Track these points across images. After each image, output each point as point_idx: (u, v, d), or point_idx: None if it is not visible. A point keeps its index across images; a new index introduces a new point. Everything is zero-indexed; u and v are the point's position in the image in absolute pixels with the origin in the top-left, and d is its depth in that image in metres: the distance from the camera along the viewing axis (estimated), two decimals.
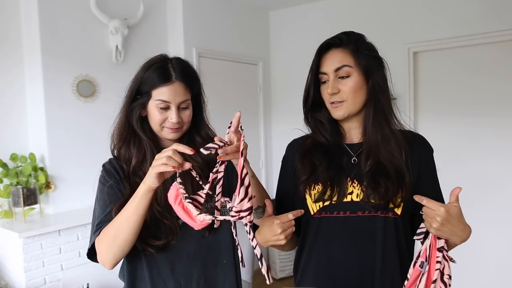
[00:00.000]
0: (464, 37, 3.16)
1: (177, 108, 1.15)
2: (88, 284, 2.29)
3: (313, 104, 1.13)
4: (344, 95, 1.07)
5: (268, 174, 4.27)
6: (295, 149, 1.20)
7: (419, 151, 1.12)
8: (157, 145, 1.21)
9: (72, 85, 2.84)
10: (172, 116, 1.14)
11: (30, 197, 2.58)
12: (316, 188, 1.09)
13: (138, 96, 1.18)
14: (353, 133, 1.15)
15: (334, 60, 1.08)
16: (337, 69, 1.07)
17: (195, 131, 1.25)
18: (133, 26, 3.14)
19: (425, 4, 3.32)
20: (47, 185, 2.70)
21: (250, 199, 0.88)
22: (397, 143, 1.09)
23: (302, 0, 3.88)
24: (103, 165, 1.22)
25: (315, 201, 1.09)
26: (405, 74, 3.43)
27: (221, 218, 0.91)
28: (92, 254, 1.13)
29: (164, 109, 1.15)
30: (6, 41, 2.73)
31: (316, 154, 1.12)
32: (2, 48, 2.72)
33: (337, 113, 1.09)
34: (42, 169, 2.70)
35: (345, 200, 1.07)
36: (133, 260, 1.20)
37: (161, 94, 1.13)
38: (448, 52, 3.31)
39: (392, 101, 1.14)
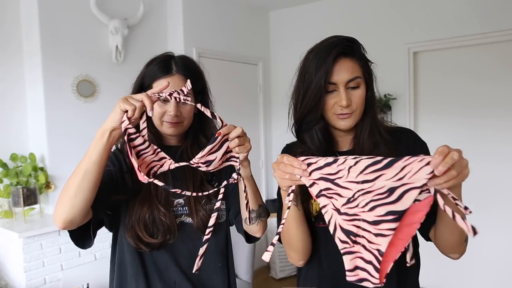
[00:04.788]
0: (464, 37, 3.16)
1: (177, 101, 1.14)
2: (88, 284, 2.29)
3: (312, 114, 1.07)
4: (355, 106, 1.03)
5: (268, 174, 4.27)
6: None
7: (406, 142, 1.10)
8: (160, 142, 1.21)
9: (72, 85, 2.84)
10: (170, 109, 1.14)
11: (30, 197, 2.58)
12: (315, 203, 1.08)
13: (141, 90, 1.18)
14: (344, 140, 1.13)
15: (346, 71, 1.02)
16: (350, 80, 1.02)
17: (200, 131, 1.25)
18: (133, 26, 3.14)
19: (425, 4, 3.32)
20: (47, 185, 2.70)
21: (211, 153, 0.97)
22: (388, 148, 1.06)
23: (302, 0, 3.88)
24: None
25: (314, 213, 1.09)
26: (405, 74, 3.43)
27: (175, 165, 0.99)
28: (76, 238, 1.11)
29: (163, 102, 1.14)
30: (7, 42, 2.73)
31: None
32: (3, 50, 2.72)
33: (345, 123, 1.04)
34: (42, 169, 2.70)
35: None
36: (124, 258, 1.20)
37: (160, 85, 1.13)
38: (448, 52, 3.31)
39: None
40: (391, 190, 0.76)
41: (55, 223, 0.99)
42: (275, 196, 4.26)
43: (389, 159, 0.78)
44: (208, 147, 0.95)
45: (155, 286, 1.18)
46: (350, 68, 1.02)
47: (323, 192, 0.84)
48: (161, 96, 0.99)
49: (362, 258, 0.80)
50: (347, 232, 0.81)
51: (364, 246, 0.79)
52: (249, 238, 1.26)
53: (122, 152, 1.20)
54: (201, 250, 0.96)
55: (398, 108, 3.47)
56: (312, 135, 1.09)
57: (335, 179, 0.83)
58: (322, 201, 0.84)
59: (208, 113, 1.01)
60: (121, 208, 1.17)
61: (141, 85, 1.19)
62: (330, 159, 0.84)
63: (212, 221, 0.99)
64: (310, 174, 0.86)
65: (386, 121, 1.15)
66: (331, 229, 0.83)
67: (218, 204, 1.00)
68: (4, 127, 2.73)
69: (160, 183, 0.93)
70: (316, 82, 1.02)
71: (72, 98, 2.84)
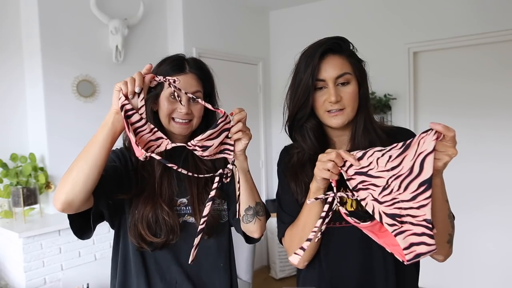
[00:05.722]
0: (464, 37, 3.16)
1: (188, 99, 1.14)
2: (88, 284, 2.29)
3: (302, 111, 1.08)
4: (345, 103, 1.04)
5: (268, 174, 4.27)
6: (286, 163, 1.17)
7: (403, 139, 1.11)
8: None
9: (72, 85, 2.84)
10: (181, 106, 1.13)
11: (30, 197, 2.58)
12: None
13: (152, 89, 1.17)
14: (341, 141, 1.13)
15: (334, 67, 1.03)
16: (339, 77, 1.03)
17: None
18: (133, 26, 3.14)
19: (425, 4, 3.32)
20: (47, 185, 2.70)
21: (209, 139, 0.97)
22: (384, 145, 1.07)
23: (302, 0, 3.88)
24: (113, 150, 1.19)
25: None
26: (405, 74, 3.43)
27: (172, 145, 0.98)
28: (75, 227, 1.10)
29: (174, 99, 1.14)
30: (7, 43, 2.73)
31: (307, 172, 1.09)
32: (3, 50, 2.72)
33: (337, 121, 1.05)
34: (42, 169, 2.70)
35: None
36: (128, 254, 1.20)
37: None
38: (448, 52, 3.31)
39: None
40: (413, 166, 0.83)
41: (54, 204, 0.98)
42: (275, 196, 4.26)
43: (407, 142, 0.85)
44: (209, 131, 0.96)
45: (156, 285, 1.18)
46: (338, 65, 1.03)
47: (359, 186, 0.90)
48: (157, 78, 0.99)
49: (414, 233, 0.83)
50: (392, 216, 0.85)
51: (411, 223, 0.83)
52: (248, 239, 1.25)
53: (129, 150, 1.20)
54: (196, 240, 0.97)
55: (398, 108, 3.47)
56: (304, 133, 1.11)
57: (367, 171, 0.89)
58: (361, 194, 0.90)
59: (209, 106, 1.02)
60: (124, 205, 1.17)
61: None
62: (360, 153, 0.89)
63: (206, 211, 0.98)
64: (346, 171, 0.91)
65: (383, 122, 1.16)
66: (377, 217, 0.87)
67: (213, 193, 0.99)
68: (4, 127, 2.73)
69: (158, 157, 0.93)
70: (305, 80, 1.04)
71: (72, 98, 2.84)
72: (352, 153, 0.90)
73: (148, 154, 0.92)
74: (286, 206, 1.15)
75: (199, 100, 1.04)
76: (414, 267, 1.13)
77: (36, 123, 2.78)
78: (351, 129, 1.10)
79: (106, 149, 0.96)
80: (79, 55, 2.88)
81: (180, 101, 1.09)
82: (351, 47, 1.09)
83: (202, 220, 0.97)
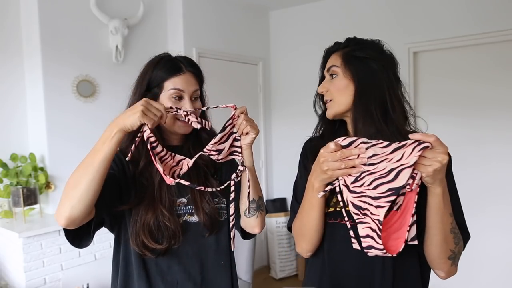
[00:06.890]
0: (464, 37, 3.16)
1: (190, 98, 1.17)
2: (88, 284, 2.29)
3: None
4: (330, 94, 1.11)
5: (268, 174, 4.27)
6: (309, 149, 1.20)
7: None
8: (163, 142, 1.20)
9: (72, 85, 2.84)
10: (186, 105, 1.15)
11: (30, 197, 2.58)
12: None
13: (147, 92, 1.18)
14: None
15: (329, 62, 1.13)
16: (328, 69, 1.13)
17: (202, 129, 1.24)
18: (133, 26, 3.14)
19: (425, 4, 3.32)
20: (47, 185, 2.70)
21: (221, 143, 1.06)
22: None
23: (302, 0, 3.88)
24: None
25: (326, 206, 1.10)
26: (405, 74, 3.43)
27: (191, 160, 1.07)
28: (71, 237, 1.09)
29: (177, 100, 1.16)
30: (7, 43, 2.73)
31: None
32: (4, 50, 2.72)
33: (329, 111, 1.12)
34: (42, 169, 2.70)
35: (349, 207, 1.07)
36: (129, 257, 1.20)
37: (174, 83, 1.15)
38: (449, 52, 3.31)
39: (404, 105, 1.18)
40: (390, 170, 0.88)
41: (57, 220, 0.98)
42: (275, 197, 4.25)
43: (393, 146, 0.88)
44: (219, 135, 1.05)
45: (157, 287, 1.18)
46: (332, 60, 1.13)
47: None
48: (177, 112, 1.07)
49: (370, 227, 0.91)
50: (357, 207, 0.93)
51: (370, 217, 0.91)
52: (246, 234, 1.26)
53: (124, 155, 1.17)
54: (232, 233, 1.11)
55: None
56: (330, 124, 1.18)
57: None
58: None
59: (229, 106, 1.09)
60: (124, 211, 1.17)
61: (147, 87, 1.18)
62: (346, 141, 0.91)
63: (232, 210, 1.10)
64: None
65: (408, 125, 1.18)
66: (345, 202, 0.94)
67: (233, 195, 1.08)
68: (4, 127, 2.74)
69: (186, 183, 1.01)
70: (320, 74, 1.19)
71: (72, 98, 2.84)
72: (337, 139, 0.92)
73: (177, 180, 1.01)
74: (299, 195, 1.17)
75: (220, 106, 1.10)
76: (418, 269, 1.12)
77: (36, 123, 2.78)
78: (352, 124, 1.12)
79: (108, 163, 0.99)
80: (79, 55, 2.88)
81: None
82: (360, 46, 1.13)
83: (231, 217, 1.09)
